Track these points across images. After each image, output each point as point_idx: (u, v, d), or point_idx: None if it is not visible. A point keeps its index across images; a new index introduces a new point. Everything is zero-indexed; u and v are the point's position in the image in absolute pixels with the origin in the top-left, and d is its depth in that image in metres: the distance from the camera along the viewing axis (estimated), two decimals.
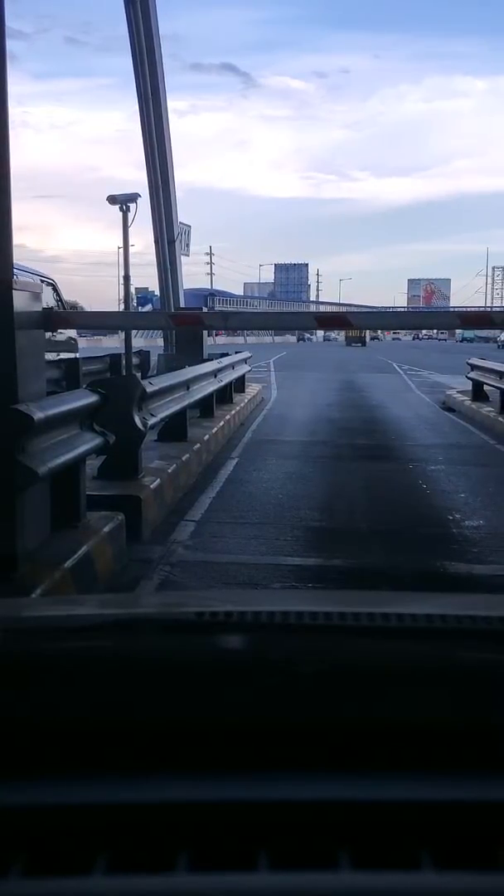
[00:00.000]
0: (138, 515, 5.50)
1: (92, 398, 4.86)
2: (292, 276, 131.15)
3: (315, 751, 0.80)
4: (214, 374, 11.08)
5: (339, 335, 75.88)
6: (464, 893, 0.66)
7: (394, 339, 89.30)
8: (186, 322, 9.89)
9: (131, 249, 11.00)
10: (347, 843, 0.71)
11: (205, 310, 15.65)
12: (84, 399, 4.81)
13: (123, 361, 12.91)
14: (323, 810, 0.74)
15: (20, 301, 4.15)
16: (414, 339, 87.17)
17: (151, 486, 6.07)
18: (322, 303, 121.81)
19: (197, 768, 0.78)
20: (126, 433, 5.83)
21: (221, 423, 10.26)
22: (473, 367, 14.16)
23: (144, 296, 70.72)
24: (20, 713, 0.82)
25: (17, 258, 4.45)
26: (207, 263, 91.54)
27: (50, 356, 9.75)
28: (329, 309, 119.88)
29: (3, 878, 0.67)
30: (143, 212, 12.45)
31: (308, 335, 77.68)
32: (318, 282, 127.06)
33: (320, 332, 72.08)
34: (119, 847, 0.71)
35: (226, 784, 0.76)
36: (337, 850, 0.70)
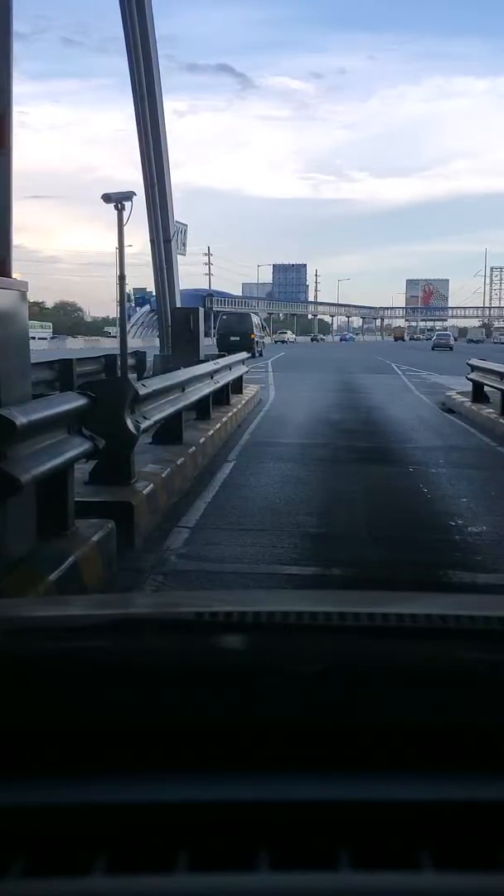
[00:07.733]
0: (130, 522, 5.31)
1: (80, 401, 4.67)
2: (291, 277, 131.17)
3: (315, 751, 0.80)
4: (211, 375, 10.91)
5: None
6: (464, 893, 0.67)
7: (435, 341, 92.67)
8: None
9: (129, 250, 10.92)
10: (347, 843, 0.71)
11: (202, 310, 15.46)
12: (71, 402, 4.63)
13: (119, 362, 12.78)
14: (323, 810, 0.75)
15: (4, 300, 3.99)
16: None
17: (144, 492, 5.89)
18: (321, 303, 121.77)
19: (197, 768, 0.78)
20: (118, 437, 5.66)
21: (218, 426, 10.09)
22: (474, 368, 13.95)
23: (143, 296, 70.71)
24: (19, 713, 0.82)
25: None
26: (206, 264, 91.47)
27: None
28: (328, 310, 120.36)
29: (2, 878, 0.67)
30: (140, 212, 12.31)
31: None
32: (316, 282, 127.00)
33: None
34: (119, 847, 0.71)
35: (226, 784, 0.76)
36: (337, 850, 0.70)
